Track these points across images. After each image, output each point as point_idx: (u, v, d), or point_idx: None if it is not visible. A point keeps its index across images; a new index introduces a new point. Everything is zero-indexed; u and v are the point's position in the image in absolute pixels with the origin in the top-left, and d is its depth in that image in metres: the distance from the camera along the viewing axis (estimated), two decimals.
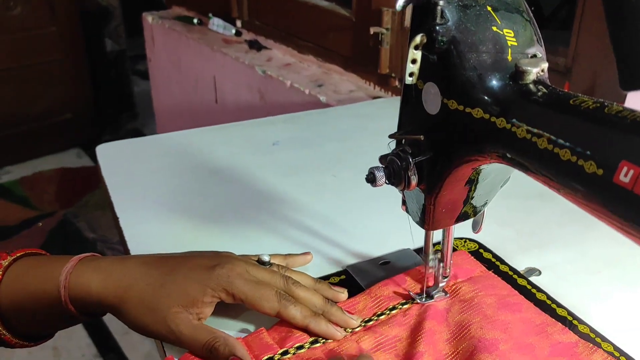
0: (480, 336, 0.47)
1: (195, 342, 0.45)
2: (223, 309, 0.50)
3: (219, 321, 0.50)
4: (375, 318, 0.50)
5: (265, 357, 0.45)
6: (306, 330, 0.47)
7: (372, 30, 1.14)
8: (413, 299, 0.52)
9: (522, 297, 0.52)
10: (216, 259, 0.48)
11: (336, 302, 0.51)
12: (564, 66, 0.88)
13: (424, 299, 0.52)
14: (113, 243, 2.14)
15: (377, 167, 0.44)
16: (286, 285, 0.49)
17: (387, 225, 0.64)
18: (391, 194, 0.52)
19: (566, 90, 0.36)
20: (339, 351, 0.47)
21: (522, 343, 0.47)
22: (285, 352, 0.46)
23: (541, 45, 0.40)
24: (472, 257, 0.58)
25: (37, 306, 0.48)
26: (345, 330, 0.48)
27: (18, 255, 0.50)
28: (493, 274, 0.56)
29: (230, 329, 0.49)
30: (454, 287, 0.54)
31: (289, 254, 0.57)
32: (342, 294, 0.52)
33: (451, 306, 0.51)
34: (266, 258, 0.52)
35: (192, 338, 0.45)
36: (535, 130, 0.35)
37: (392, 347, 0.48)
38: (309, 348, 0.47)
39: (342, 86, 1.26)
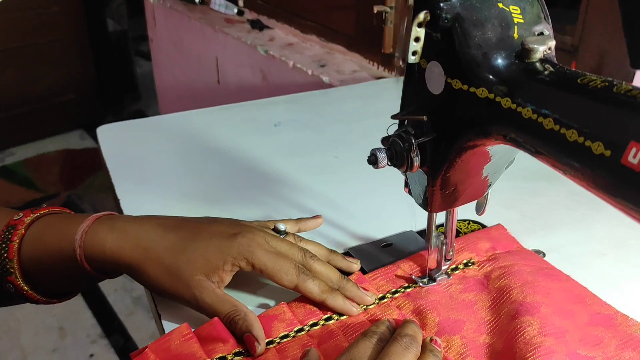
0: (522, 300, 0.47)
1: (217, 312, 0.45)
2: (240, 281, 0.50)
3: (235, 293, 0.49)
4: (390, 295, 0.50)
5: (282, 334, 0.46)
6: (322, 305, 0.48)
7: (375, 9, 1.12)
8: (415, 282, 0.51)
9: (560, 270, 0.53)
10: (236, 227, 0.48)
11: (350, 275, 0.51)
12: (571, 45, 0.86)
13: (426, 282, 0.51)
14: None
15: (379, 149, 0.44)
16: (304, 258, 0.49)
17: (389, 207, 0.64)
18: (394, 176, 0.52)
19: (575, 70, 0.35)
20: (381, 316, 0.47)
21: (563, 309, 0.47)
22: (300, 330, 0.47)
23: (548, 23, 0.39)
24: (509, 233, 0.58)
25: (56, 264, 0.49)
26: (360, 306, 0.49)
27: (41, 213, 0.50)
28: (530, 250, 0.56)
29: (247, 302, 0.49)
30: (492, 256, 0.54)
31: (301, 219, 0.57)
32: (355, 264, 0.53)
33: (491, 273, 0.52)
34: (282, 227, 0.52)
35: (214, 308, 0.45)
36: (542, 111, 0.34)
37: (432, 310, 0.48)
38: (322, 325, 0.47)
39: (345, 66, 1.24)
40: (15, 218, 0.50)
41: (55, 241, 0.48)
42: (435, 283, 0.51)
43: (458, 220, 0.60)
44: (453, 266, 0.53)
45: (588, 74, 0.34)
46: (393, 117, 0.43)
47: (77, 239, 0.47)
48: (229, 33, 1.51)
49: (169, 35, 1.93)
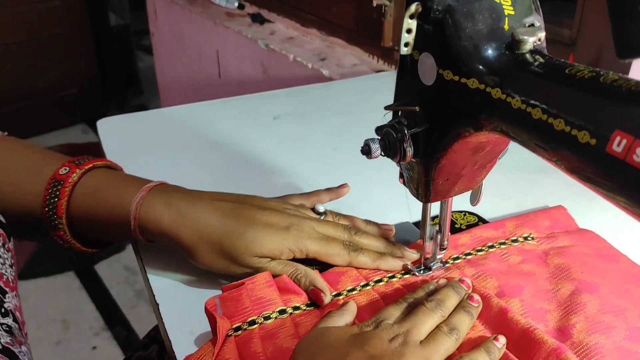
0: (581, 279, 0.49)
1: (277, 273, 0.49)
2: None
3: None
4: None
5: (349, 287, 0.50)
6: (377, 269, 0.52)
7: (375, 2, 1.12)
8: (410, 271, 0.52)
9: (617, 250, 0.54)
10: (287, 219, 0.51)
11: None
12: (569, 38, 0.87)
13: (422, 271, 0.52)
14: None
15: (372, 139, 0.44)
16: (350, 236, 0.53)
17: (386, 198, 0.64)
18: (391, 167, 0.52)
19: (565, 61, 0.35)
20: (445, 276, 0.51)
21: (621, 288, 0.49)
22: (366, 284, 0.50)
23: (539, 15, 0.39)
24: (569, 213, 0.60)
25: (107, 226, 0.52)
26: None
27: (86, 168, 0.52)
28: (589, 230, 0.58)
29: None
30: (551, 234, 0.56)
31: (329, 189, 0.60)
32: (391, 231, 0.56)
33: (549, 251, 0.54)
34: (321, 209, 0.56)
35: (276, 272, 0.49)
36: (530, 101, 0.34)
37: (492, 275, 0.50)
38: (386, 282, 0.51)
39: (345, 60, 1.24)
40: (61, 172, 0.51)
41: (108, 207, 0.50)
42: (430, 272, 0.52)
43: (454, 212, 0.61)
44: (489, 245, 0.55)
45: (577, 64, 0.34)
46: (386, 107, 0.44)
47: (131, 211, 0.49)
48: (230, 27, 1.52)
49: (170, 29, 1.93)
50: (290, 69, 1.30)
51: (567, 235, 0.56)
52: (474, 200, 0.50)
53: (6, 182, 0.53)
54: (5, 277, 0.44)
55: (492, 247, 0.55)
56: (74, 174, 0.51)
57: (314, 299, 0.48)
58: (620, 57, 0.29)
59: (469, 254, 0.54)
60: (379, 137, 0.44)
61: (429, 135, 0.42)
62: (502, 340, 0.43)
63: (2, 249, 0.45)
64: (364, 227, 0.55)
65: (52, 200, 0.50)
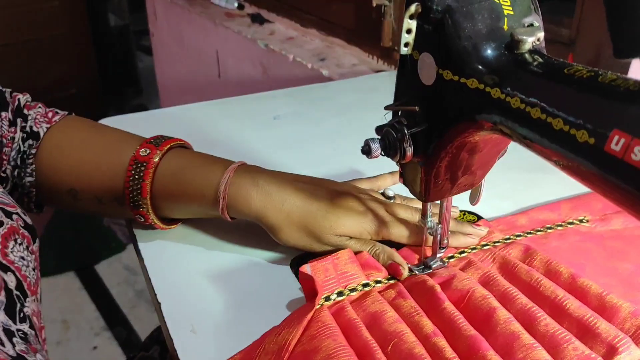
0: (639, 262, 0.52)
1: (360, 251, 0.52)
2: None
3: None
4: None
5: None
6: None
7: (374, 2, 1.12)
8: (411, 270, 0.52)
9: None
10: (364, 204, 0.54)
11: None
12: (568, 37, 0.87)
13: (422, 270, 0.52)
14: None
15: (372, 139, 0.44)
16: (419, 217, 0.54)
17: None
18: (391, 167, 0.53)
19: (564, 60, 0.36)
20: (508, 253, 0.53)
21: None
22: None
23: (538, 14, 0.39)
24: None
25: (191, 205, 0.53)
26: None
27: (165, 148, 0.54)
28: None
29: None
30: (604, 216, 0.60)
31: (393, 172, 0.62)
32: (455, 212, 0.60)
33: (604, 233, 0.58)
34: (391, 193, 0.60)
35: (355, 249, 0.52)
36: (529, 100, 0.34)
37: (559, 259, 0.52)
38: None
39: (345, 60, 1.25)
40: (142, 154, 0.53)
41: (193, 188, 0.52)
42: (430, 271, 0.52)
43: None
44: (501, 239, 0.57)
45: (575, 64, 0.34)
46: (386, 107, 0.44)
47: (220, 191, 0.51)
48: (230, 27, 1.52)
49: (170, 29, 1.93)
50: (290, 69, 1.30)
51: (619, 216, 0.59)
52: (474, 199, 0.51)
53: (85, 160, 0.55)
54: (28, 279, 0.44)
55: (550, 228, 0.58)
56: (155, 155, 0.53)
57: (393, 274, 0.51)
58: (617, 56, 0.29)
59: (530, 233, 0.57)
60: (379, 137, 0.45)
61: (428, 135, 0.42)
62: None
63: (26, 251, 0.45)
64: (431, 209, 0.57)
65: (135, 182, 0.52)
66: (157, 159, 0.53)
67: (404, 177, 0.50)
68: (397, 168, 0.50)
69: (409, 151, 0.43)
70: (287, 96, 0.95)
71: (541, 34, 0.37)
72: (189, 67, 1.87)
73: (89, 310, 1.78)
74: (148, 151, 0.54)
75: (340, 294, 0.49)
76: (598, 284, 0.47)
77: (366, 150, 0.45)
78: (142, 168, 0.52)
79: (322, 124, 0.85)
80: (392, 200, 0.58)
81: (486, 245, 0.55)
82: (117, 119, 0.86)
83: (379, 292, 0.50)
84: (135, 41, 3.06)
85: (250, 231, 0.58)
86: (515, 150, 0.47)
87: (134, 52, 3.09)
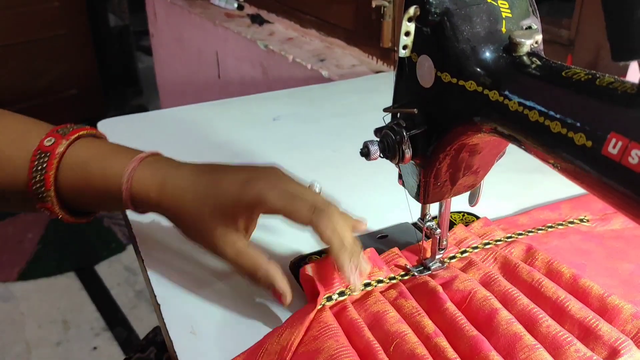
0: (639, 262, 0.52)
1: (238, 267, 0.47)
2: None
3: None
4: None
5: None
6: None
7: (374, 3, 1.13)
8: (409, 271, 0.52)
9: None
10: (264, 169, 0.50)
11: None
12: (567, 38, 0.87)
13: (421, 272, 0.52)
14: (119, 219, 2.16)
15: (371, 141, 0.45)
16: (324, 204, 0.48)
17: (385, 200, 0.65)
18: (390, 168, 0.53)
19: (562, 63, 0.36)
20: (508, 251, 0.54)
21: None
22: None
23: (537, 17, 0.39)
24: None
25: (98, 197, 0.50)
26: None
27: (72, 138, 0.51)
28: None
29: None
30: (604, 216, 0.60)
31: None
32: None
33: (604, 233, 0.58)
34: (317, 188, 0.55)
35: (236, 263, 0.47)
36: (527, 103, 0.35)
37: (560, 258, 0.52)
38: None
39: (345, 60, 1.25)
40: (46, 143, 0.50)
41: (99, 179, 0.49)
42: (429, 272, 0.52)
43: (452, 213, 0.61)
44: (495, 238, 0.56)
45: (573, 67, 0.35)
46: (385, 110, 0.44)
47: (123, 182, 0.48)
48: (229, 28, 1.52)
49: (170, 30, 1.93)
50: (290, 69, 1.30)
51: (619, 216, 0.59)
52: (473, 201, 0.51)
53: None
54: None
55: (551, 227, 0.58)
56: (60, 145, 0.49)
57: (275, 299, 0.47)
58: (615, 59, 0.30)
59: (531, 231, 0.57)
60: (378, 139, 0.45)
61: (427, 137, 0.42)
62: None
63: None
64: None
65: (38, 173, 0.49)
66: (62, 149, 0.49)
67: (403, 180, 0.50)
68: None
69: (408, 153, 0.43)
70: (287, 97, 0.95)
71: (539, 37, 0.37)
72: (189, 67, 1.87)
73: (89, 310, 1.78)
74: (53, 140, 0.50)
75: (341, 293, 0.49)
76: (598, 284, 0.47)
77: (365, 153, 0.45)
78: (46, 158, 0.49)
79: (322, 125, 0.85)
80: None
81: (488, 243, 0.55)
82: (117, 120, 0.86)
83: (381, 292, 0.50)
84: (135, 41, 3.06)
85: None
86: (513, 152, 0.47)
87: (134, 53, 3.09)
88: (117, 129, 0.83)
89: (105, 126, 0.83)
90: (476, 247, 0.55)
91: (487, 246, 0.55)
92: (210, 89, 1.75)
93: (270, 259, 0.48)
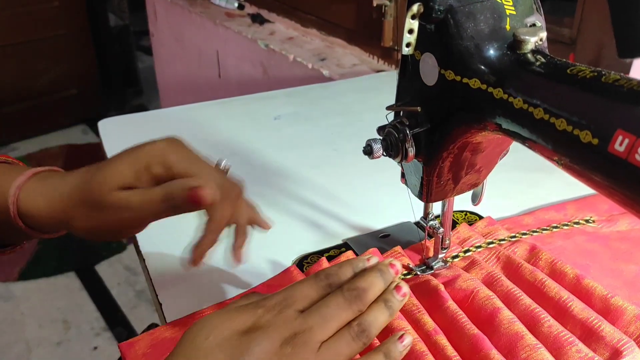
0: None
1: (151, 206, 0.41)
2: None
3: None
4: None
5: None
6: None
7: (375, 2, 1.12)
8: (412, 271, 0.52)
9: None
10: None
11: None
12: (569, 37, 0.87)
13: (423, 271, 0.52)
14: None
15: (374, 139, 0.44)
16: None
17: (387, 199, 0.65)
18: (392, 167, 0.52)
19: (566, 60, 0.35)
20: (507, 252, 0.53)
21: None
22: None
23: (540, 14, 0.39)
24: None
25: None
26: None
27: None
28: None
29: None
30: (610, 217, 0.60)
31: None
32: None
33: (610, 235, 0.57)
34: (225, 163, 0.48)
35: (145, 205, 0.41)
36: (532, 101, 0.34)
37: (564, 259, 0.51)
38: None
39: (345, 60, 1.25)
40: None
41: None
42: (432, 271, 0.52)
43: (455, 212, 0.61)
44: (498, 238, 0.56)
45: (578, 64, 0.34)
46: (388, 108, 0.44)
47: (10, 195, 0.43)
48: (230, 27, 1.52)
49: (170, 29, 1.93)
50: (290, 69, 1.30)
51: (626, 217, 0.59)
52: (475, 200, 0.50)
53: None
54: None
55: (556, 227, 0.58)
56: None
57: (195, 200, 0.40)
58: (621, 56, 0.29)
59: (535, 231, 0.57)
60: (381, 137, 0.44)
61: (430, 136, 0.42)
62: (407, 340, 0.38)
63: None
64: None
65: None
66: None
67: (406, 178, 0.49)
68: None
69: (411, 152, 0.43)
70: (288, 96, 0.95)
71: (544, 34, 0.37)
72: (189, 67, 1.87)
73: (90, 310, 1.78)
74: None
75: None
76: (602, 285, 0.47)
77: (368, 151, 0.44)
78: None
79: (323, 124, 0.85)
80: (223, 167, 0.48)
81: (491, 243, 0.55)
82: (117, 119, 0.86)
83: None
84: (135, 41, 3.06)
85: (252, 233, 0.58)
86: (516, 151, 0.47)
87: (134, 53, 3.09)
88: (117, 128, 0.83)
89: (105, 125, 0.83)
90: (479, 247, 0.54)
91: (491, 245, 0.54)
92: (211, 89, 1.75)
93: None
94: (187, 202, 0.40)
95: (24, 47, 2.64)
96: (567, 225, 0.59)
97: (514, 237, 0.56)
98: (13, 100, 2.67)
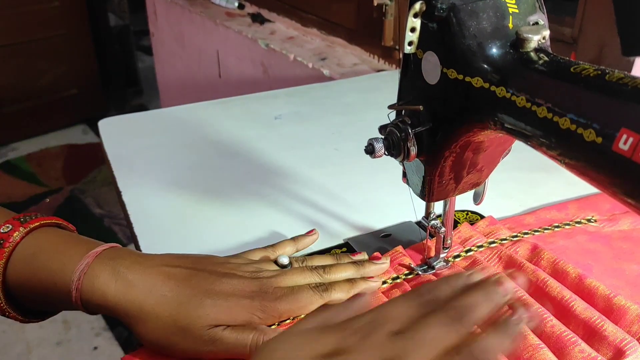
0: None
1: (239, 347, 0.42)
2: None
3: None
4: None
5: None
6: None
7: (375, 1, 1.12)
8: (413, 270, 0.52)
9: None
10: (249, 284, 0.45)
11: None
12: (570, 36, 0.87)
13: (425, 271, 0.52)
14: (120, 219, 2.16)
15: (376, 138, 0.44)
16: (319, 276, 0.48)
17: (389, 198, 0.64)
18: (393, 167, 0.52)
19: (570, 59, 0.35)
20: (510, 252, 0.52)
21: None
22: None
23: (543, 13, 0.39)
24: None
25: (47, 295, 0.45)
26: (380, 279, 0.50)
27: (31, 227, 0.45)
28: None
29: None
30: (612, 216, 0.59)
31: (297, 237, 0.54)
32: (363, 256, 0.52)
33: (612, 234, 0.57)
34: (285, 261, 0.50)
35: (234, 340, 0.42)
36: (535, 99, 0.34)
37: (566, 258, 0.51)
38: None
39: (346, 59, 1.24)
40: (2, 230, 0.45)
41: (48, 274, 0.44)
42: (433, 271, 0.52)
43: (456, 211, 0.61)
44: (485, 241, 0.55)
45: (582, 62, 0.34)
46: (390, 107, 0.44)
47: (74, 280, 0.43)
48: (230, 27, 1.52)
49: (170, 29, 1.93)
50: (291, 68, 1.29)
51: (628, 217, 0.59)
52: (477, 199, 0.50)
53: None
54: None
55: (557, 226, 0.58)
56: (17, 233, 0.44)
57: None
58: (625, 54, 0.29)
59: (537, 231, 0.57)
60: (383, 137, 0.44)
61: (432, 135, 0.42)
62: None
63: None
64: (332, 262, 0.51)
65: None
66: (17, 237, 0.44)
67: (408, 177, 0.49)
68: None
69: (413, 151, 0.43)
70: (288, 96, 0.95)
71: (547, 32, 0.37)
72: (190, 67, 1.87)
73: None
74: (10, 227, 0.45)
75: None
76: (604, 284, 0.47)
77: (370, 150, 0.44)
78: None
79: (323, 124, 0.84)
80: (288, 268, 0.49)
81: (493, 242, 0.55)
82: (117, 119, 0.85)
83: (383, 292, 0.50)
84: (135, 41, 3.06)
85: (254, 234, 0.58)
86: (518, 150, 0.46)
87: (134, 52, 3.09)
88: (117, 128, 0.83)
89: (106, 125, 0.83)
90: (481, 246, 0.54)
91: (492, 245, 0.54)
92: (211, 88, 1.75)
93: None
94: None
95: (24, 47, 2.64)
96: (568, 224, 0.58)
97: (516, 236, 0.56)
98: (13, 100, 2.67)
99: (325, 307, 0.41)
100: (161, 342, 0.43)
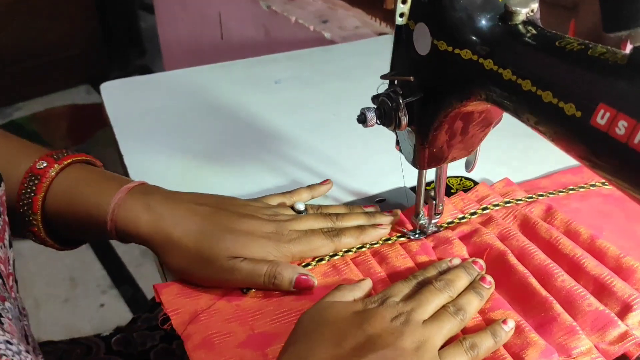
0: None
1: (255, 278, 0.47)
2: None
3: None
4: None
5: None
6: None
7: None
8: (405, 234, 0.54)
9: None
10: (266, 226, 0.49)
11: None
12: (571, 1, 0.86)
13: (417, 235, 0.54)
14: None
15: (368, 108, 0.45)
16: (332, 222, 0.52)
17: (384, 164, 0.66)
18: (389, 133, 0.53)
19: (557, 32, 0.36)
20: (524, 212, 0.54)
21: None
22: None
23: None
24: None
25: (83, 225, 0.50)
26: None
27: (65, 163, 0.50)
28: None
29: None
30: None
31: (312, 185, 0.58)
32: (376, 211, 0.56)
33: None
34: (301, 207, 0.54)
35: (252, 275, 0.47)
36: (520, 72, 0.35)
37: (578, 221, 0.53)
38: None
39: (348, 22, 1.24)
40: (38, 167, 0.49)
41: (84, 207, 0.49)
42: (425, 236, 0.53)
43: (450, 177, 0.62)
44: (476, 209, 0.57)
45: (567, 36, 0.35)
46: (382, 77, 0.45)
47: (109, 212, 0.48)
48: None
49: None
50: (292, 31, 1.29)
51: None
52: (469, 166, 0.51)
53: None
54: None
55: (572, 189, 0.59)
56: (52, 169, 0.49)
57: (302, 288, 0.47)
58: (606, 30, 0.30)
59: (552, 193, 0.58)
60: (375, 106, 0.45)
61: (423, 105, 0.43)
62: (510, 324, 0.43)
63: None
64: (345, 211, 0.55)
65: (27, 195, 0.49)
66: (53, 173, 0.49)
67: (400, 145, 0.50)
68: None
69: (404, 120, 0.44)
70: (289, 60, 0.95)
71: (535, 5, 0.38)
72: (192, 28, 1.85)
73: (96, 268, 1.82)
74: (45, 164, 0.49)
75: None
76: (616, 245, 0.49)
77: (362, 119, 0.45)
78: (36, 181, 0.49)
79: (323, 89, 0.85)
80: (303, 214, 0.54)
81: (509, 202, 0.56)
82: (120, 82, 0.86)
83: (372, 252, 0.52)
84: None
85: (252, 197, 0.60)
86: (510, 117, 0.47)
87: (137, 11, 3.05)
88: (120, 91, 0.84)
89: (109, 88, 0.84)
90: (497, 205, 0.56)
91: (508, 204, 0.56)
92: (213, 50, 1.74)
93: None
94: (293, 287, 0.47)
95: (26, 6, 2.61)
96: (583, 187, 0.60)
97: (531, 197, 0.57)
98: (15, 60, 2.65)
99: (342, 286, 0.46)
100: (186, 269, 0.48)
